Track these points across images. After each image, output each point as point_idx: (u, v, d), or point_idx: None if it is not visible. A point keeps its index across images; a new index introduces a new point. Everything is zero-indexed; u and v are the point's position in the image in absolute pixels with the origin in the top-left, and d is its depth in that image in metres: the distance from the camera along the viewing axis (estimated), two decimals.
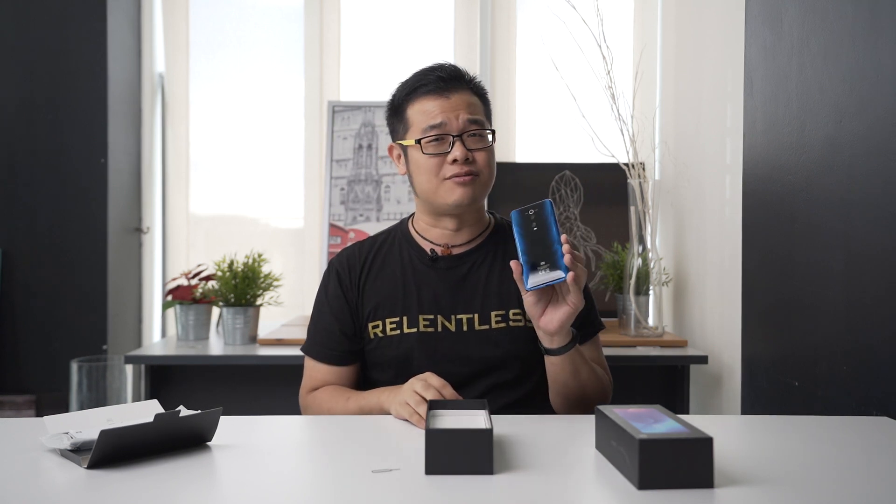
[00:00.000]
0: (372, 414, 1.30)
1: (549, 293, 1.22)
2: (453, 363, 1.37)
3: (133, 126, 3.09)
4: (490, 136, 1.39)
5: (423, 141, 1.36)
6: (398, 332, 1.40)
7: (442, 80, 1.37)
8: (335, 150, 2.83)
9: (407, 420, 1.19)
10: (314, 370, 1.46)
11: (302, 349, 1.49)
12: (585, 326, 1.43)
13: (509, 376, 1.38)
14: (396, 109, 1.43)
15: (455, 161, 1.34)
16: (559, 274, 1.16)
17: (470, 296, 1.39)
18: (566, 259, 1.16)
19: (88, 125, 2.88)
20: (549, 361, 1.30)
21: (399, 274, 1.43)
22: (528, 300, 1.21)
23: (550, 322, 1.22)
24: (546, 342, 1.27)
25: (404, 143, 1.40)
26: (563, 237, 1.18)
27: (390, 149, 1.46)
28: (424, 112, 1.37)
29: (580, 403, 1.34)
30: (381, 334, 1.41)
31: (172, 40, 3.13)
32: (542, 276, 1.17)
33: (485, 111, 1.42)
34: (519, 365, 1.38)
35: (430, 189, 1.38)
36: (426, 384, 1.20)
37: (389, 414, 1.25)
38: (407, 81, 1.42)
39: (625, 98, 2.45)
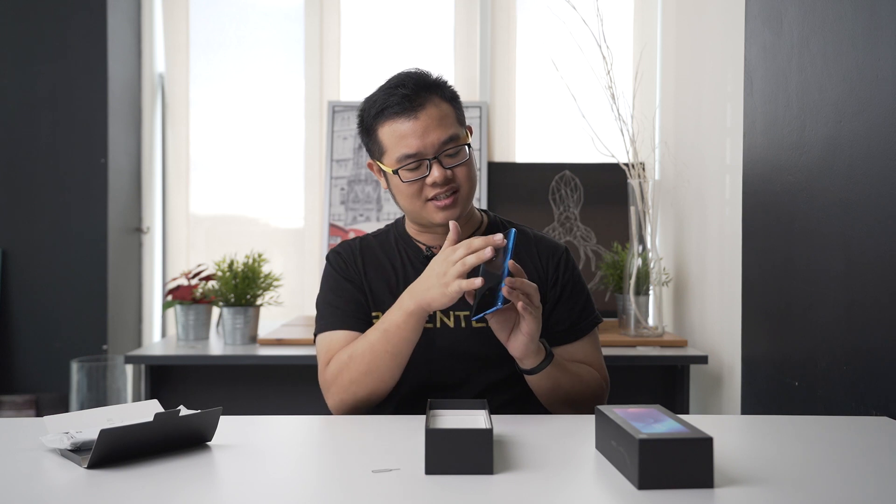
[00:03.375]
0: (400, 328, 1.26)
1: (512, 319, 1.23)
2: (451, 359, 1.38)
3: (133, 126, 3.09)
4: (467, 148, 1.36)
5: (400, 171, 1.34)
6: None
7: (407, 99, 1.32)
8: (335, 150, 2.83)
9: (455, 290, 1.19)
10: (336, 343, 1.38)
11: (320, 330, 1.41)
12: (579, 322, 1.43)
13: (507, 372, 1.38)
14: (367, 130, 1.39)
15: (435, 184, 1.33)
16: (495, 305, 1.18)
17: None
18: (504, 290, 1.16)
19: (88, 125, 2.88)
20: (527, 378, 1.32)
21: (399, 269, 1.43)
22: (493, 326, 1.24)
23: (514, 348, 1.24)
24: (519, 363, 1.29)
25: (382, 167, 1.38)
26: (511, 263, 1.18)
27: (369, 165, 1.45)
28: (396, 136, 1.33)
29: (568, 408, 1.35)
30: None
31: (172, 40, 3.13)
32: (482, 307, 1.19)
33: (456, 116, 1.38)
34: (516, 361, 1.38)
35: (414, 211, 1.38)
36: (451, 259, 1.21)
37: (427, 311, 1.25)
38: (374, 100, 1.37)
39: (625, 98, 2.45)
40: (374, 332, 1.30)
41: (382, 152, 1.37)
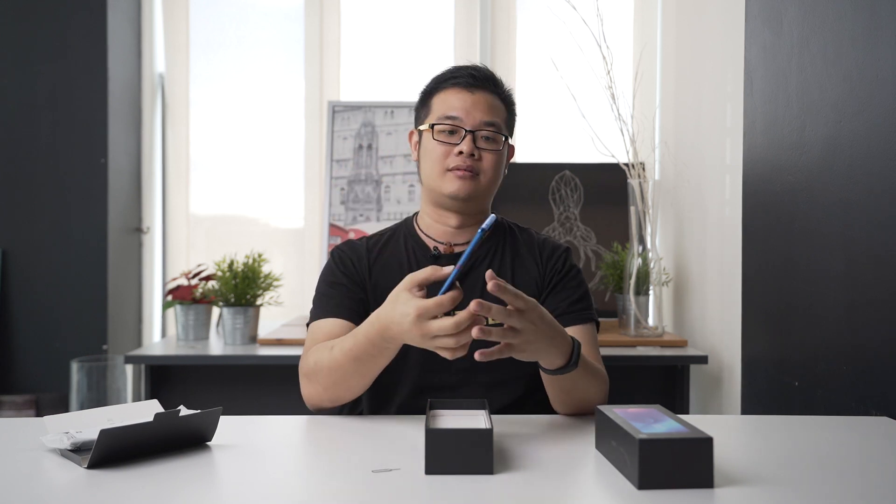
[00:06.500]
0: (368, 352, 1.18)
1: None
2: (451, 359, 1.38)
3: (133, 126, 3.09)
4: (503, 141, 1.42)
5: (436, 127, 1.40)
6: None
7: (473, 77, 1.42)
8: (335, 150, 2.83)
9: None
10: (321, 331, 1.36)
11: (311, 320, 1.40)
12: (571, 311, 1.39)
13: (508, 373, 1.38)
14: (424, 97, 1.47)
15: (461, 153, 1.38)
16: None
17: (470, 292, 1.39)
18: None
19: (88, 125, 2.88)
20: (543, 377, 1.26)
21: (405, 267, 1.44)
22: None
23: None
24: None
25: (421, 127, 1.45)
26: (494, 284, 1.05)
27: (410, 135, 1.51)
28: (446, 102, 1.42)
29: (574, 411, 1.31)
30: None
31: (172, 40, 3.13)
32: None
33: (507, 119, 1.46)
34: (517, 362, 1.38)
35: (432, 176, 1.41)
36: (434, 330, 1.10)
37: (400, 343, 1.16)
38: (442, 72, 1.46)
39: (625, 98, 2.45)
40: (337, 353, 1.23)
41: (428, 113, 1.44)
